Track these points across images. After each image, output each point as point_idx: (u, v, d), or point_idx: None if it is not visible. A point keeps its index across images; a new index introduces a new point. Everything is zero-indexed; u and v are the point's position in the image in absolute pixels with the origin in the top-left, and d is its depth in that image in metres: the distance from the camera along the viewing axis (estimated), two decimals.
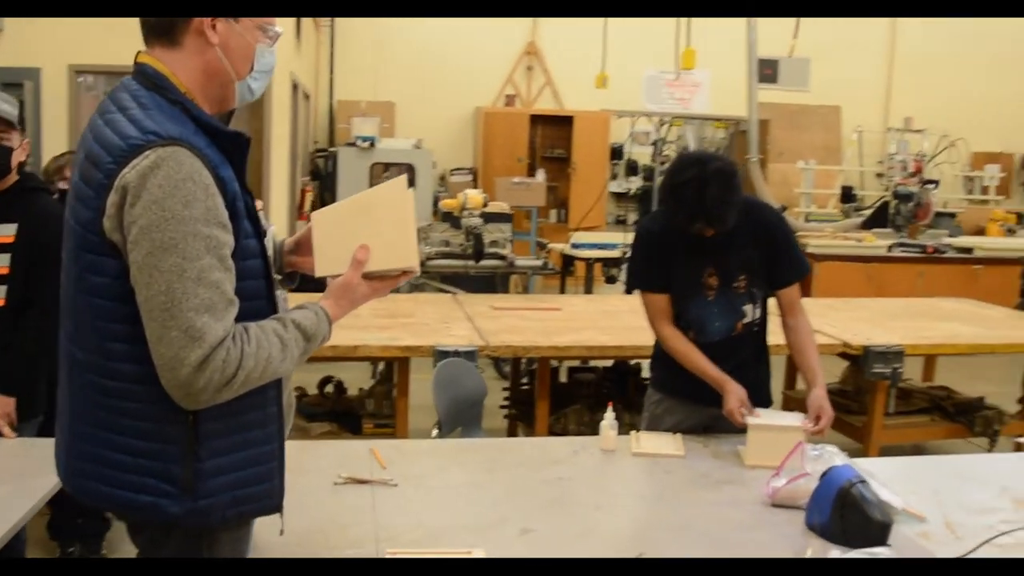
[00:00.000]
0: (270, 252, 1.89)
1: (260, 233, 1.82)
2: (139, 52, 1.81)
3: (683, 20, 8.32)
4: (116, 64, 8.43)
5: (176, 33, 1.77)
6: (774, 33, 10.09)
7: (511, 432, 5.31)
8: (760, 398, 3.26)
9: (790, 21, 9.35)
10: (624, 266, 8.12)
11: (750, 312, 3.22)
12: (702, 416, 3.28)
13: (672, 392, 3.34)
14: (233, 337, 1.67)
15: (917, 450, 5.56)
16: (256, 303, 1.78)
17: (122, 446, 1.73)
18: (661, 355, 3.36)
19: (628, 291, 3.36)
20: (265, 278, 1.83)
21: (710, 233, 3.05)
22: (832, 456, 2.57)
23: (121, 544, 4.00)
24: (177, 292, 1.62)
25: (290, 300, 1.97)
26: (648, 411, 3.42)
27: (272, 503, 1.87)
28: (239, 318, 1.71)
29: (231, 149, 1.78)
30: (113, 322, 1.70)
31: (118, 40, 7.78)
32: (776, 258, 3.21)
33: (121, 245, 1.66)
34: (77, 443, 1.78)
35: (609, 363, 5.35)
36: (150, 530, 1.81)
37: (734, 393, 3.06)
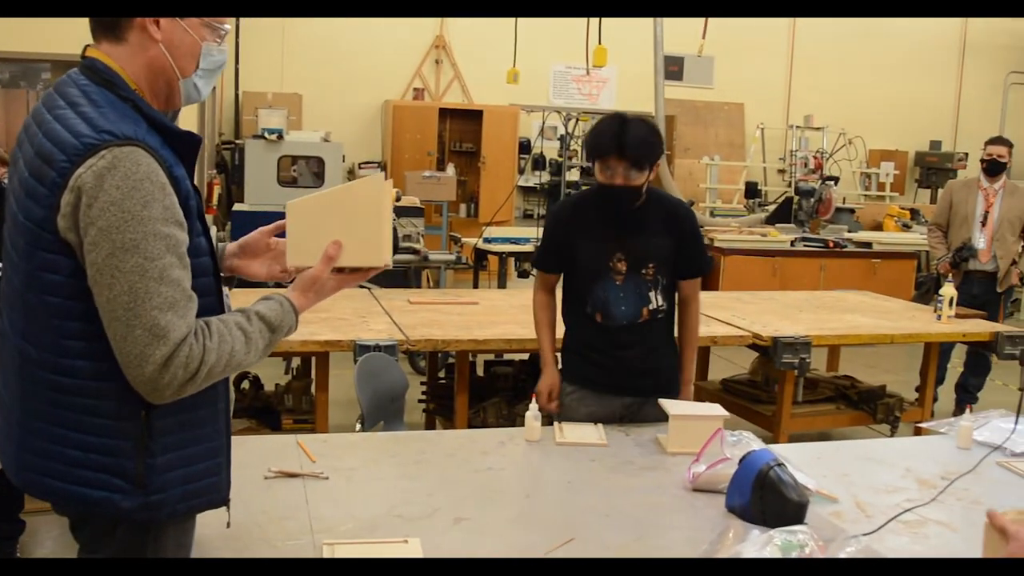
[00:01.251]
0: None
1: (208, 231, 1.84)
2: (87, 46, 1.81)
3: (598, 19, 8.43)
4: None
5: (120, 29, 1.77)
6: (680, 31, 10.29)
7: (429, 426, 5.34)
8: (670, 385, 3.41)
9: (696, 19, 9.54)
10: None
11: (655, 299, 3.34)
12: (615, 406, 3.39)
13: (584, 382, 3.43)
14: (195, 333, 1.70)
15: (823, 437, 5.76)
16: (207, 299, 1.79)
17: (76, 442, 1.73)
18: (571, 345, 3.47)
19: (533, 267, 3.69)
20: (214, 275, 1.85)
21: (620, 179, 3.19)
22: (749, 442, 2.68)
23: (35, 547, 3.91)
24: (140, 291, 1.63)
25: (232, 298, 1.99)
26: (562, 401, 3.49)
27: (219, 497, 1.90)
28: None
29: (182, 148, 1.79)
30: (68, 320, 1.70)
31: None
32: (686, 250, 3.35)
33: (76, 245, 1.67)
34: (28, 439, 1.77)
35: (525, 356, 5.42)
36: (94, 525, 1.81)
37: (549, 378, 3.41)
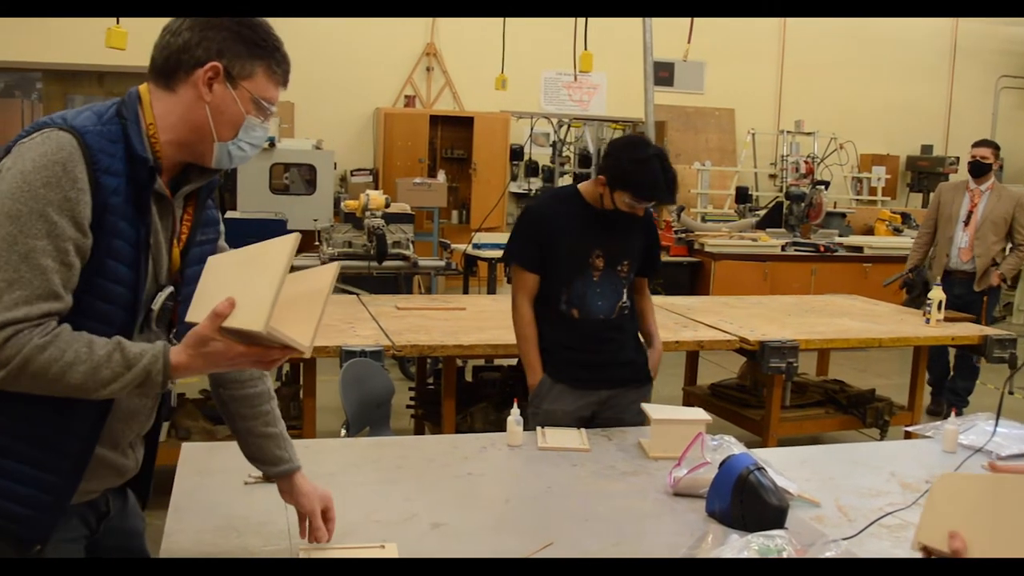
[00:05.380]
0: (158, 302, 1.85)
1: (140, 265, 1.78)
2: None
3: (580, 22, 8.42)
4: None
5: (174, 81, 1.81)
6: (670, 36, 10.29)
7: (418, 432, 5.33)
8: (642, 374, 3.60)
9: (686, 24, 9.54)
10: None
11: (625, 295, 3.51)
12: (591, 400, 3.50)
13: (562, 379, 3.50)
14: (37, 325, 1.64)
15: (813, 441, 5.75)
16: (105, 328, 1.73)
17: None
18: (546, 345, 3.53)
19: (505, 264, 3.71)
20: (130, 311, 1.79)
21: (641, 212, 3.37)
22: (730, 446, 2.66)
23: None
24: (0, 260, 1.62)
25: None
26: (540, 400, 3.51)
27: (23, 532, 1.77)
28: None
29: (139, 173, 1.77)
30: None
31: None
32: (652, 250, 3.57)
33: None
34: None
35: (514, 362, 5.41)
36: None
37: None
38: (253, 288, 1.68)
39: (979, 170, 6.70)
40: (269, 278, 1.67)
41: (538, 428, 3.16)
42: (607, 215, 3.39)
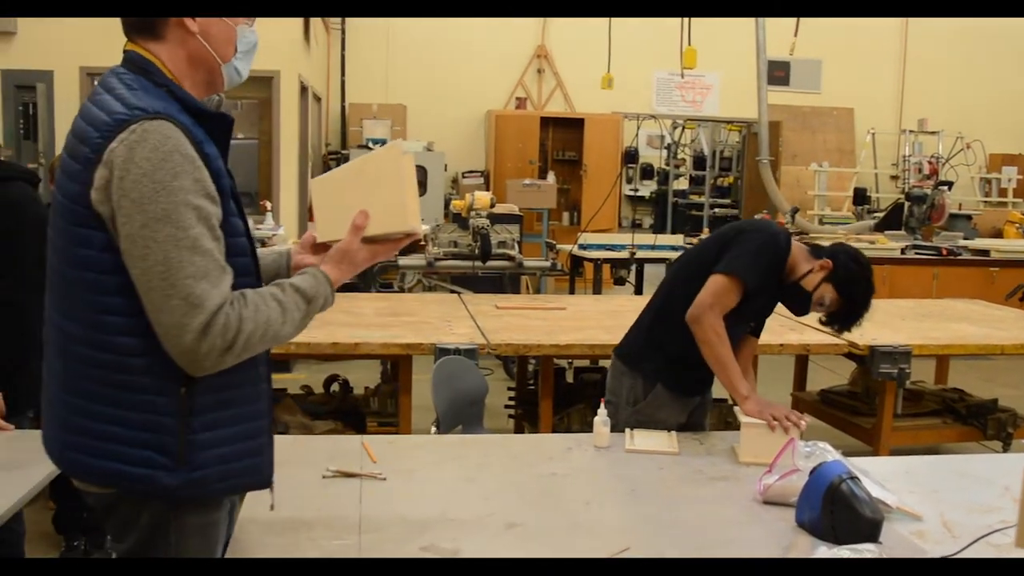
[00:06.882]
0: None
1: (243, 213, 1.87)
2: (127, 43, 1.85)
3: (688, 21, 8.29)
4: None
5: (157, 27, 1.81)
6: (785, 35, 10.06)
7: (517, 432, 5.28)
8: None
9: (801, 22, 9.30)
10: (632, 267, 8.09)
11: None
12: (687, 407, 3.34)
13: (673, 389, 3.28)
14: (231, 302, 1.71)
15: (930, 453, 5.49)
16: (245, 279, 1.81)
17: (116, 418, 1.74)
18: (677, 355, 3.25)
19: (724, 272, 3.24)
20: (251, 256, 1.87)
21: (814, 309, 3.25)
22: (824, 453, 2.53)
23: None
24: (174, 261, 1.66)
25: None
26: (635, 404, 3.32)
27: (261, 478, 1.93)
28: None
29: (215, 129, 1.82)
30: (104, 294, 1.72)
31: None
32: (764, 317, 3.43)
33: (108, 218, 1.69)
34: (70, 419, 1.78)
35: None
36: (121, 512, 1.82)
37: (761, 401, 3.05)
38: (378, 196, 1.93)
39: None
40: (395, 184, 1.93)
41: (627, 430, 3.07)
42: (783, 283, 3.21)
